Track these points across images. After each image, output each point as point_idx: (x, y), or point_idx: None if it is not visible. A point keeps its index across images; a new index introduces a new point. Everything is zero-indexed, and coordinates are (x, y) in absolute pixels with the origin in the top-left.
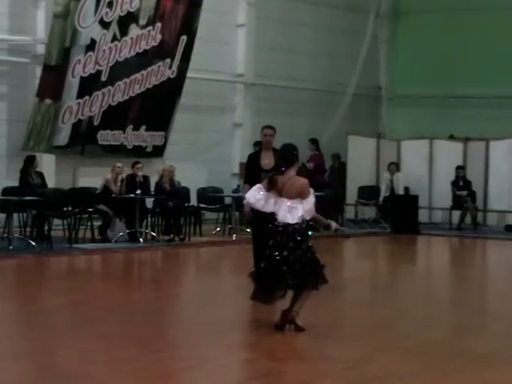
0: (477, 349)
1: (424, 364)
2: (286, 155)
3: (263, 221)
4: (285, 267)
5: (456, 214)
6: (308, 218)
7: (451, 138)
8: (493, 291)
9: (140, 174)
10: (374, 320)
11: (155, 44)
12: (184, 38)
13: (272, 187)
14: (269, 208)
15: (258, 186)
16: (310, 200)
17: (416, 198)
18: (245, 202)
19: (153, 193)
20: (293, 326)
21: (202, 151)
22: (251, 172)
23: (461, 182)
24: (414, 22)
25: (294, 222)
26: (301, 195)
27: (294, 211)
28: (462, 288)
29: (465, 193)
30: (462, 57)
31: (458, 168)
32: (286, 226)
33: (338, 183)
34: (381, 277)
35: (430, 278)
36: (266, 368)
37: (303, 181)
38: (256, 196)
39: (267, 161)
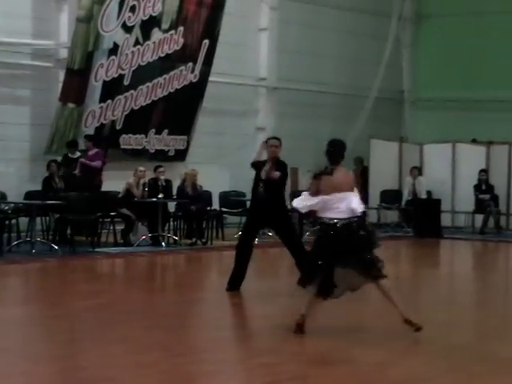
0: (501, 353)
1: (448, 368)
2: (341, 149)
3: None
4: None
5: (479, 218)
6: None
7: (474, 141)
8: None
9: (162, 177)
10: (398, 324)
11: (178, 48)
12: (206, 41)
13: (320, 188)
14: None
15: (304, 194)
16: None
17: (439, 201)
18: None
19: (175, 197)
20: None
21: (224, 155)
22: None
23: (483, 186)
24: (437, 26)
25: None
26: (353, 186)
27: (359, 201)
28: (485, 292)
29: (487, 196)
30: (485, 60)
31: (481, 171)
32: (360, 217)
33: (361, 187)
34: (404, 280)
35: (454, 282)
36: (290, 372)
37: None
38: (306, 201)
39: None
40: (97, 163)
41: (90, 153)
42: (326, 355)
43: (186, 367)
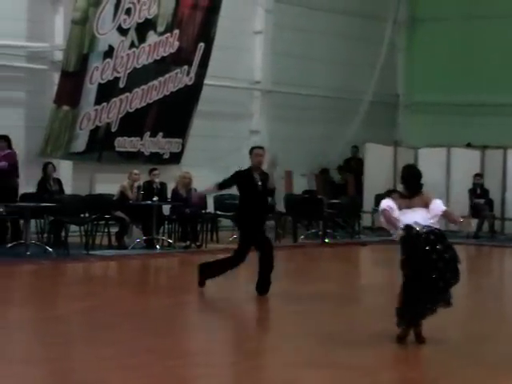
0: (494, 357)
1: (440, 372)
2: (419, 180)
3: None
4: (441, 283)
5: (473, 223)
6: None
7: (468, 145)
8: (510, 299)
9: (157, 180)
10: (390, 328)
11: (173, 51)
12: (202, 44)
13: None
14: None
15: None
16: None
17: None
18: (381, 209)
19: (169, 199)
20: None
21: (218, 158)
22: (246, 191)
23: (478, 190)
24: (432, 30)
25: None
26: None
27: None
28: (478, 296)
29: (482, 201)
30: (480, 64)
31: (476, 176)
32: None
33: (355, 190)
34: (397, 285)
35: None
36: (282, 375)
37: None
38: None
39: (260, 182)
40: (2, 164)
41: (1, 153)
42: (317, 359)
43: (178, 370)
